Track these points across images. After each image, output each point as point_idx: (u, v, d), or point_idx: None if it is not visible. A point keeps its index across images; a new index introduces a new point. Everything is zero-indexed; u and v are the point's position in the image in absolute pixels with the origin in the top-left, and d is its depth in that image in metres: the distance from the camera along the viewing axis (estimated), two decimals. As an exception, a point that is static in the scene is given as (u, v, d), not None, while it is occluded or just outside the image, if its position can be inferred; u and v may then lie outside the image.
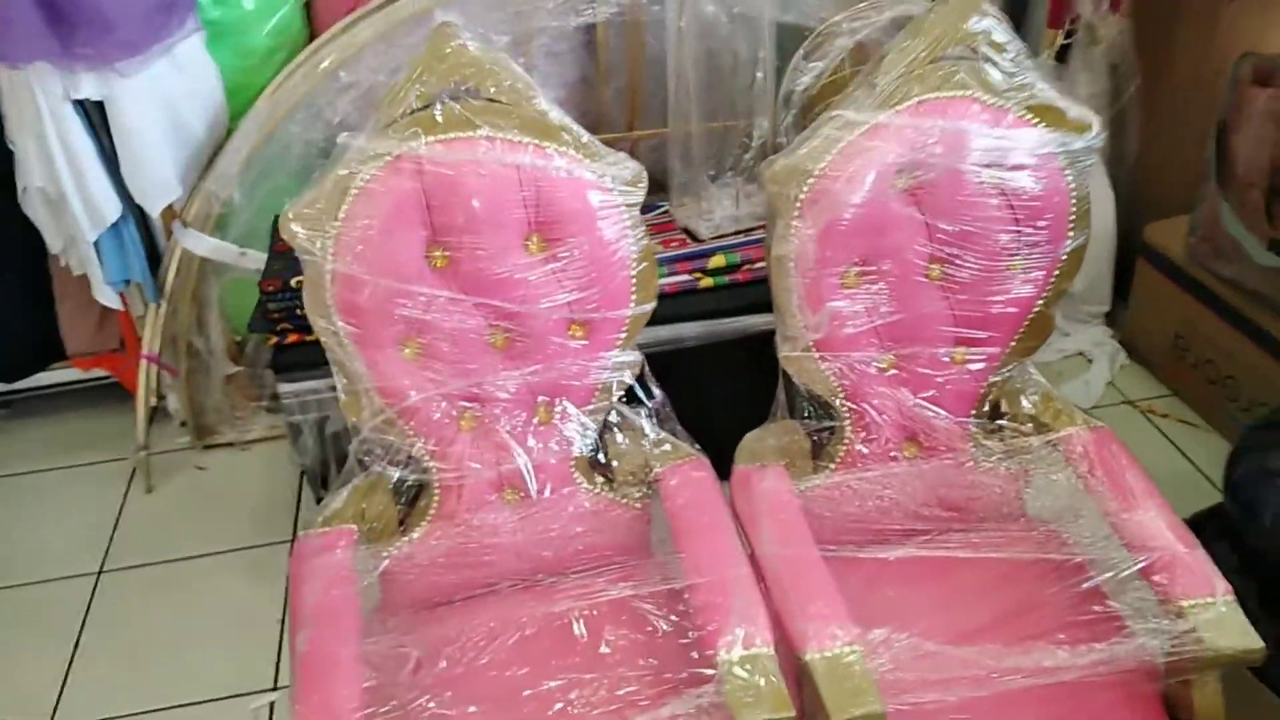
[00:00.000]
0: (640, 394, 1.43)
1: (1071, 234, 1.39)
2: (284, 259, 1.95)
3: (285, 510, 2.20)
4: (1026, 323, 1.43)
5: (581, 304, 1.35)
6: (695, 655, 1.23)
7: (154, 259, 2.20)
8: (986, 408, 1.47)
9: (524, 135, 1.27)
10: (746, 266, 1.99)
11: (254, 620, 1.96)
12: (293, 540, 2.13)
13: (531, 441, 1.39)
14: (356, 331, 1.30)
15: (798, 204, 1.32)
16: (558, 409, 1.40)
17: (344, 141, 1.24)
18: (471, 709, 1.22)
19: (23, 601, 2.03)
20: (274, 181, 2.16)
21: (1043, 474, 1.42)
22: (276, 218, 2.10)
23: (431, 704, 1.21)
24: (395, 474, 1.39)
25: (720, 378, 1.90)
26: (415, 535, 1.40)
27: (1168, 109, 2.34)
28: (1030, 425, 1.46)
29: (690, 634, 1.27)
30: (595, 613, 1.36)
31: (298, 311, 1.87)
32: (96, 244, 2.07)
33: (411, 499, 1.42)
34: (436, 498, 1.40)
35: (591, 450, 1.42)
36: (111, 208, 2.03)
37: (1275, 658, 1.39)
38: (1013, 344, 1.44)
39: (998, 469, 1.44)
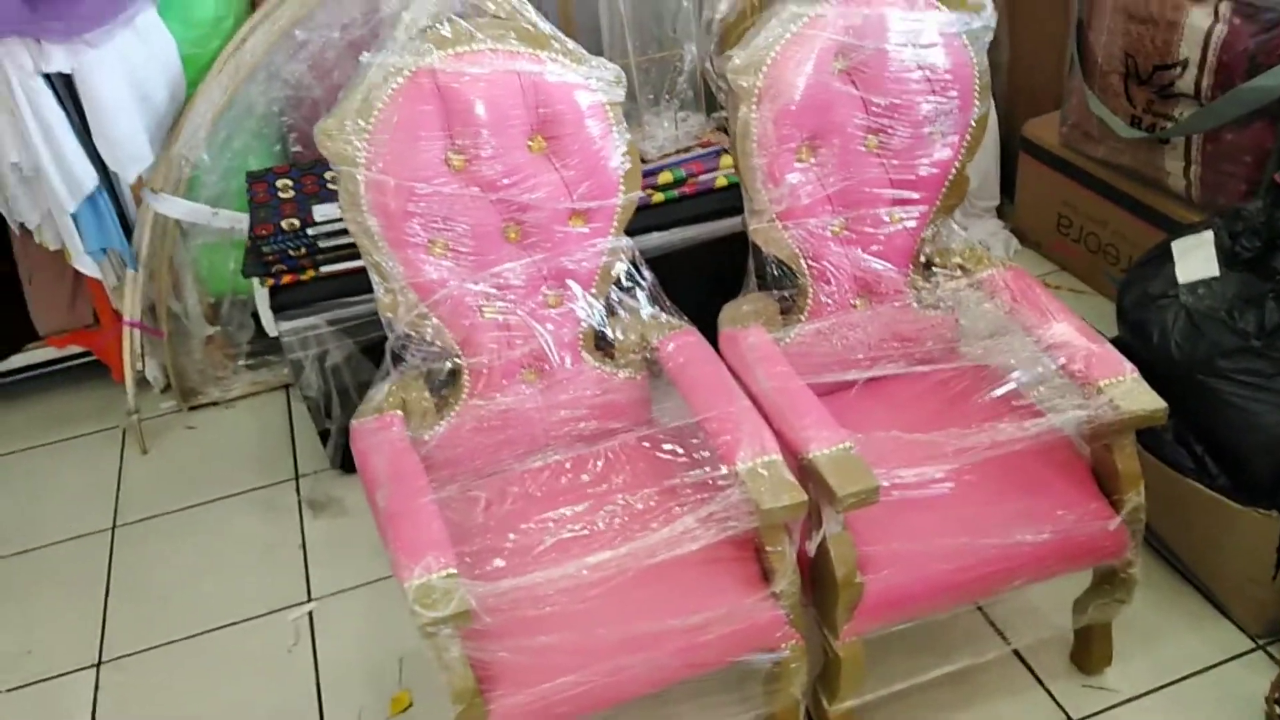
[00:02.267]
0: (636, 278, 1.64)
1: (978, 102, 1.67)
2: (266, 208, 2.08)
3: (282, 454, 2.34)
4: (948, 182, 1.70)
5: (579, 195, 1.55)
6: (708, 472, 1.46)
7: (124, 229, 2.30)
8: (923, 259, 1.74)
9: (521, 45, 1.46)
10: (691, 180, 2.21)
11: (275, 548, 2.10)
12: (296, 479, 2.27)
13: (548, 324, 1.59)
14: (389, 233, 1.47)
15: (755, 91, 1.55)
16: (566, 292, 1.60)
17: (366, 60, 1.41)
18: (535, 533, 1.43)
19: (46, 561, 2.13)
20: (239, 142, 2.28)
21: (973, 307, 1.70)
22: (248, 174, 2.24)
23: (509, 535, 1.41)
24: (430, 365, 1.57)
25: (678, 282, 2.11)
26: (451, 417, 1.59)
27: (1029, 18, 2.66)
28: (958, 271, 1.74)
29: (699, 454, 1.50)
30: (613, 455, 1.59)
31: (290, 253, 2.01)
32: (75, 215, 2.16)
33: (441, 388, 1.60)
34: (466, 383, 1.59)
35: (600, 326, 1.62)
36: (89, 178, 2.12)
37: (1165, 437, 1.71)
38: (938, 202, 1.71)
39: (936, 307, 1.71)
